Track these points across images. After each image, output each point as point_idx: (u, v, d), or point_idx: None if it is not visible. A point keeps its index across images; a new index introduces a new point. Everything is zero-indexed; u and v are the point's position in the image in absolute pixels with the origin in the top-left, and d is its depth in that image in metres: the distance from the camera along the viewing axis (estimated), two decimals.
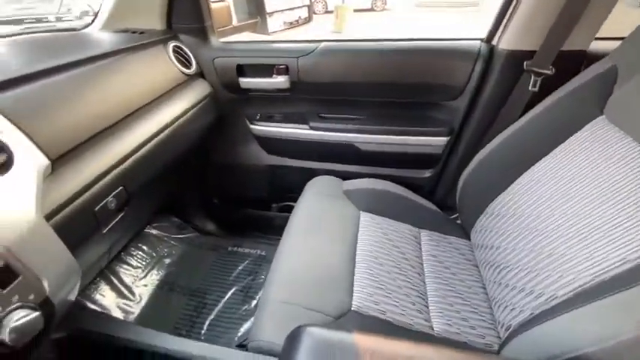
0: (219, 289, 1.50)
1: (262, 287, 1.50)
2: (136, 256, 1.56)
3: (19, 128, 0.66)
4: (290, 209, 1.84)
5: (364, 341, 0.55)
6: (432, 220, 1.19)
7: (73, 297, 0.81)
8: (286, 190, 1.66)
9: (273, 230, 1.74)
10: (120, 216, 0.92)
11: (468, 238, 1.15)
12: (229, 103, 1.43)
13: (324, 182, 1.32)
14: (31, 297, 0.61)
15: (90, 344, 0.80)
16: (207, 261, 1.65)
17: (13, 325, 0.56)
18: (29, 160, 0.66)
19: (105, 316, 0.86)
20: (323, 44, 1.24)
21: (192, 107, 1.25)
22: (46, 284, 0.63)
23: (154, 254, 1.61)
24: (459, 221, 1.23)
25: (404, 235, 1.11)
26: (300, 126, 1.38)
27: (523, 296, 0.78)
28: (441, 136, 1.26)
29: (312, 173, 1.39)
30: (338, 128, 1.34)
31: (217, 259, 1.67)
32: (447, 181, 1.35)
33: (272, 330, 0.81)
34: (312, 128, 1.36)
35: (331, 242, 1.05)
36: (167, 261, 1.61)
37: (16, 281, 0.58)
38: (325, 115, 1.38)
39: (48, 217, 0.67)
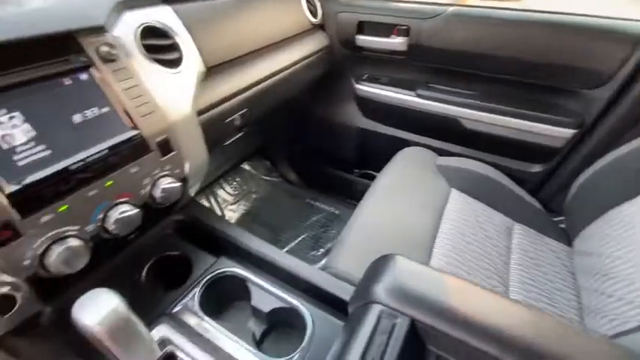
0: (293, 232, 1.63)
1: (332, 240, 1.59)
2: (231, 184, 1.78)
3: (191, 35, 0.80)
4: (371, 178, 1.88)
5: (453, 280, 0.56)
6: (531, 217, 1.10)
7: (195, 190, 0.98)
8: (373, 157, 1.68)
9: (350, 193, 1.79)
10: (239, 135, 1.05)
11: (569, 244, 1.04)
12: (341, 59, 1.47)
13: (417, 153, 1.31)
14: (177, 171, 0.75)
15: (197, 231, 0.96)
16: (286, 205, 1.80)
17: (160, 190, 0.71)
18: (193, 62, 0.79)
19: (211, 213, 1.01)
20: (453, 8, 1.18)
21: (309, 56, 1.32)
22: (187, 167, 0.78)
23: (244, 187, 1.81)
24: (562, 225, 1.11)
25: (495, 222, 1.05)
26: (406, 92, 1.36)
27: (630, 308, 0.69)
28: (567, 127, 1.12)
29: (405, 144, 1.38)
30: (446, 100, 1.29)
31: (295, 206, 1.80)
32: (559, 180, 1.21)
33: (350, 261, 0.87)
34: (418, 96, 1.33)
35: (416, 206, 1.05)
36: (253, 196, 1.79)
37: (172, 154, 0.72)
38: (435, 85, 1.34)
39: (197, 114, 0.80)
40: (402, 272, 0.58)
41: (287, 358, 0.66)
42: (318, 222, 1.70)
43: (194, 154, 0.79)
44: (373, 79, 1.44)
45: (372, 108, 1.50)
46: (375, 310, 0.53)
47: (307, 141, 1.88)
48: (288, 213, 1.75)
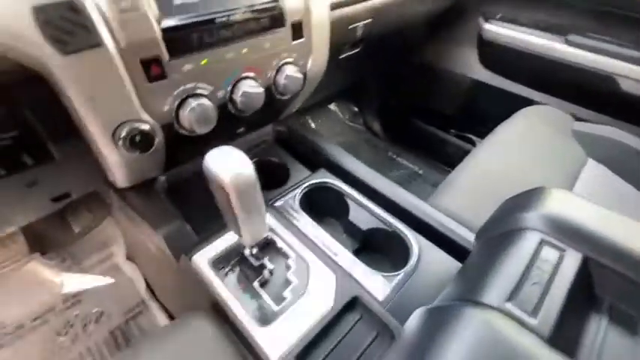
0: None
1: None
2: (315, 122, 1.74)
3: None
4: (470, 142, 1.70)
5: (632, 222, 0.43)
6: None
7: (298, 104, 0.94)
8: (480, 118, 1.49)
9: (439, 155, 1.64)
10: (354, 52, 0.97)
11: None
12: None
13: (546, 112, 1.10)
14: (301, 62, 0.70)
15: (297, 143, 0.94)
16: (365, 155, 1.71)
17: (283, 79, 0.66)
18: None
19: (312, 128, 0.98)
20: None
21: None
22: (310, 61, 0.73)
23: (329, 127, 1.76)
24: None
25: None
26: (552, 37, 1.13)
27: None
28: None
29: (526, 106, 1.17)
30: (607, 51, 1.04)
31: (375, 158, 1.71)
32: None
33: (458, 201, 0.79)
34: (568, 44, 1.10)
35: (542, 167, 0.89)
36: (338, 138, 1.74)
37: (301, 40, 0.67)
38: (593, 35, 1.08)
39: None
40: (568, 205, 0.47)
41: (388, 274, 0.60)
42: (398, 178, 1.60)
43: (318, 51, 0.73)
44: (509, 20, 1.22)
45: (498, 56, 1.29)
46: (531, 237, 0.44)
47: (403, 89, 1.73)
48: (367, 161, 1.67)
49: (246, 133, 0.83)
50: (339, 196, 0.77)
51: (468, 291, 0.40)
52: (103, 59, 0.44)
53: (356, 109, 1.88)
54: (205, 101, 0.56)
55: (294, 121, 0.99)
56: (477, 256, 0.50)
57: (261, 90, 0.62)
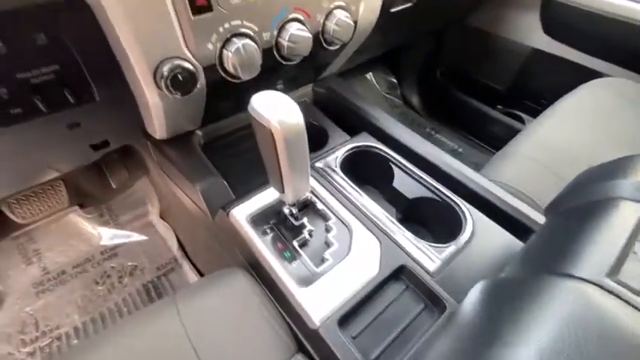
0: None
1: None
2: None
3: None
4: (518, 120, 1.56)
5: None
6: None
7: (338, 66, 0.88)
8: (535, 92, 1.35)
9: (481, 133, 1.53)
10: (407, 5, 0.88)
11: None
12: None
13: (617, 85, 0.97)
14: (353, 8, 0.64)
15: (336, 106, 0.89)
16: None
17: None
18: None
19: (353, 90, 0.92)
20: None
21: None
22: (362, 7, 0.66)
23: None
24: None
25: None
26: None
27: None
28: None
29: (591, 79, 1.04)
30: None
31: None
32: None
33: (516, 172, 0.72)
34: None
35: (617, 144, 0.79)
36: None
37: None
38: None
39: None
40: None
41: (438, 245, 0.55)
42: None
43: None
44: None
45: (565, 19, 1.14)
46: (629, 207, 0.37)
47: (449, 57, 1.59)
48: None
49: (284, 91, 0.79)
50: (383, 160, 0.72)
51: (554, 262, 0.34)
52: None
53: (394, 79, 1.77)
54: (251, 42, 0.51)
55: (332, 82, 0.93)
56: (552, 230, 0.43)
57: (309, 35, 0.56)
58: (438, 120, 1.68)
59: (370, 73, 1.74)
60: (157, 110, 0.54)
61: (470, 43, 1.47)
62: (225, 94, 0.59)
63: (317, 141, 0.80)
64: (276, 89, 0.75)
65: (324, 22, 0.60)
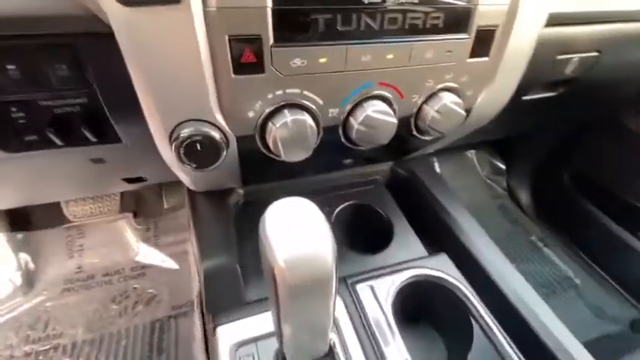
0: None
1: None
2: (442, 164, 1.42)
3: None
4: None
5: None
6: None
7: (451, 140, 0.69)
8: None
9: (610, 263, 1.12)
10: (546, 95, 0.65)
11: None
12: None
13: None
14: (469, 93, 0.45)
15: (413, 195, 0.69)
16: (498, 228, 1.30)
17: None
18: None
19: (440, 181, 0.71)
20: None
21: None
22: (484, 93, 0.47)
23: (457, 179, 1.42)
24: None
25: None
26: None
27: None
28: None
29: None
30: None
31: (509, 235, 1.28)
32: None
33: None
34: None
35: None
36: (462, 195, 1.38)
37: (482, 60, 0.42)
38: None
39: None
40: None
41: None
42: (537, 279, 1.14)
43: (504, 82, 0.46)
44: None
45: None
46: None
47: (582, 156, 1.24)
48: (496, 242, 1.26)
49: (352, 166, 0.63)
50: (461, 308, 0.48)
51: None
52: (177, 22, 0.29)
53: (501, 165, 1.47)
54: (307, 118, 0.36)
55: (419, 165, 0.73)
56: None
57: (393, 120, 0.40)
58: (551, 228, 1.31)
59: (472, 151, 1.48)
60: (177, 169, 0.43)
61: (622, 148, 1.11)
62: (268, 166, 0.46)
63: (375, 237, 0.61)
64: (342, 164, 0.62)
65: (421, 106, 0.43)
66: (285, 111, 0.36)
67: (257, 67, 0.33)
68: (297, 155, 0.38)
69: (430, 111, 0.42)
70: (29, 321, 0.92)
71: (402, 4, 0.34)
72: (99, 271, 1.03)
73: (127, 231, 1.09)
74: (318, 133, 0.39)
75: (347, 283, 0.47)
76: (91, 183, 0.65)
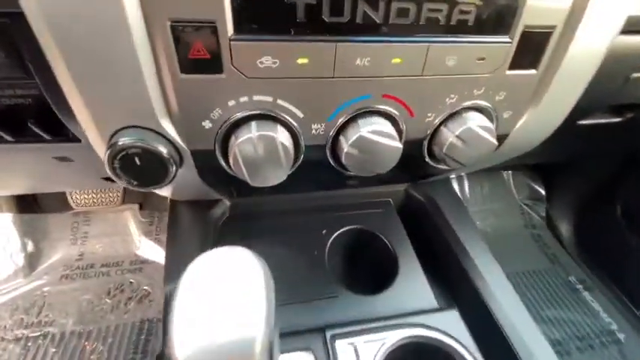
0: None
1: None
2: (471, 184, 1.28)
3: None
4: None
5: None
6: None
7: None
8: None
9: None
10: (611, 121, 0.52)
11: None
12: None
13: None
14: (507, 115, 0.34)
15: (425, 224, 0.59)
16: (529, 261, 1.15)
17: None
18: None
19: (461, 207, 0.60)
20: None
21: None
22: (526, 116, 0.36)
23: (484, 200, 1.27)
24: None
25: None
26: None
27: None
28: None
29: None
30: None
31: (543, 273, 1.12)
32: None
33: None
34: None
35: None
36: (489, 220, 1.23)
37: (527, 72, 0.31)
38: None
39: None
40: None
41: None
42: (574, 328, 0.98)
43: (555, 104, 0.35)
44: None
45: None
46: None
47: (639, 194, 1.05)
48: (524, 274, 1.10)
49: (357, 186, 0.53)
50: None
51: None
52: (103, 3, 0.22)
53: (541, 189, 1.30)
54: (278, 135, 0.28)
55: (438, 188, 0.62)
56: None
57: (397, 145, 0.30)
58: (594, 269, 1.13)
59: (509, 172, 1.32)
60: None
61: None
62: (242, 183, 0.38)
63: (376, 272, 0.52)
64: (344, 185, 0.52)
65: (438, 127, 0.33)
66: (253, 123, 0.28)
67: (212, 65, 0.25)
68: (266, 180, 0.30)
69: (449, 136, 0.32)
70: (25, 304, 0.91)
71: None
72: (99, 260, 1.01)
73: (132, 223, 1.07)
74: (298, 153, 0.31)
75: (325, 336, 0.38)
76: (66, 178, 0.61)
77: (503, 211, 1.26)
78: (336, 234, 0.55)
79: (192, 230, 0.49)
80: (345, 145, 0.30)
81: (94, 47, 0.23)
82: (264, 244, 0.50)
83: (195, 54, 0.24)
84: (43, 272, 0.98)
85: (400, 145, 0.30)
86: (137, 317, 0.91)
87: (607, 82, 0.40)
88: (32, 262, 0.98)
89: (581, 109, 0.41)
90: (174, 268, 0.45)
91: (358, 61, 0.27)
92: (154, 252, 1.04)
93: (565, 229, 1.22)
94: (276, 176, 0.30)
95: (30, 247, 0.99)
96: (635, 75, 0.42)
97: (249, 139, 0.27)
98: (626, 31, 0.34)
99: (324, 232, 0.54)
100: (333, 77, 0.27)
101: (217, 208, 0.54)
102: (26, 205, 1.00)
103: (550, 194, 1.28)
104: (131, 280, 0.98)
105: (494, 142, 0.32)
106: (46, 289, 0.95)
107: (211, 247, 0.43)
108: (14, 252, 0.97)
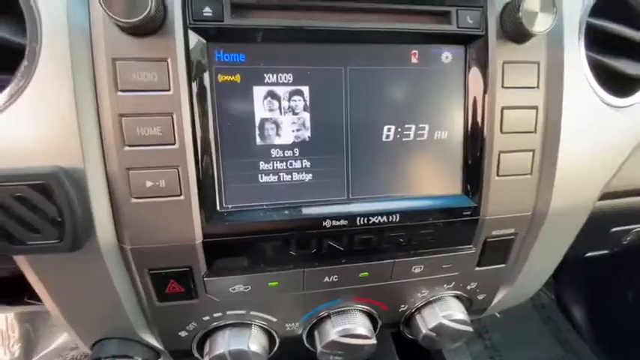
0: None
1: None
2: None
3: None
4: None
5: None
6: None
7: None
8: None
9: None
10: (600, 253, 0.52)
11: None
12: None
13: None
14: (482, 297, 0.35)
15: None
16: (539, 345, 1.08)
17: None
18: None
19: None
20: None
21: None
22: (501, 294, 0.36)
23: None
24: None
25: None
26: None
27: None
28: None
29: None
30: None
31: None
32: None
33: None
34: None
35: None
36: None
37: (497, 267, 0.32)
38: None
39: None
40: None
41: None
42: None
43: (529, 280, 0.36)
44: None
45: None
46: None
47: None
48: None
49: None
50: None
51: None
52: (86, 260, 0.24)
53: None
54: (258, 335, 0.29)
55: None
56: None
57: (371, 342, 0.31)
58: (608, 354, 1.06)
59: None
60: None
61: None
62: None
63: None
64: None
65: (412, 315, 0.34)
66: (227, 332, 0.29)
67: (187, 295, 0.27)
68: None
69: (423, 328, 0.32)
70: None
71: (375, 224, 0.26)
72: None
73: None
74: (272, 346, 0.31)
75: None
76: None
77: None
78: None
79: None
80: (319, 344, 0.31)
81: (75, 282, 0.25)
82: None
83: (171, 290, 0.26)
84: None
85: (374, 342, 0.31)
86: None
87: (590, 235, 0.40)
88: (28, 351, 0.97)
89: (566, 256, 0.41)
90: None
91: (326, 279, 0.28)
92: None
93: (577, 311, 1.16)
94: None
95: (28, 335, 0.98)
96: (615, 229, 0.43)
97: (222, 355, 0.28)
98: (603, 197, 0.35)
99: None
100: (303, 292, 0.29)
101: None
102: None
103: (557, 271, 1.23)
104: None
105: (469, 329, 0.32)
106: None
107: None
108: (12, 340, 0.96)
